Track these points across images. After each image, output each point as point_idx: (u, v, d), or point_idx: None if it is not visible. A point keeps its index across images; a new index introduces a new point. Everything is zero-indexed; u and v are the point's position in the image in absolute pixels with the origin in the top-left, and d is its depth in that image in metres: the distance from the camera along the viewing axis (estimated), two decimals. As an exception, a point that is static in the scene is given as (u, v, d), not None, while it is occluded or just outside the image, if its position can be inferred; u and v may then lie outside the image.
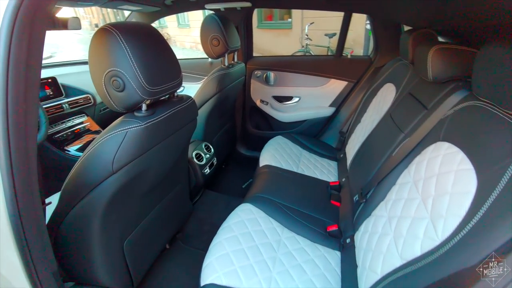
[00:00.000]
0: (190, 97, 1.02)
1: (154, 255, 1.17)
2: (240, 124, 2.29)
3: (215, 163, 1.70)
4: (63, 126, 1.66)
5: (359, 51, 5.42)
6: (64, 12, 1.45)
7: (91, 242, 0.83)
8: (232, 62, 1.74)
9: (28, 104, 0.57)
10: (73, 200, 0.78)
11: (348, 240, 1.11)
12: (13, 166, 0.56)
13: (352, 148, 1.61)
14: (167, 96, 0.93)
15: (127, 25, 0.75)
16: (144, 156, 0.80)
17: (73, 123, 1.71)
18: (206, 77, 1.56)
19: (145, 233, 1.05)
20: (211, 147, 1.68)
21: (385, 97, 1.49)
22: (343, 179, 1.54)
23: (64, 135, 1.62)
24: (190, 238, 1.54)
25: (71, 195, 0.78)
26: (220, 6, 1.75)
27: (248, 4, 1.69)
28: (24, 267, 0.64)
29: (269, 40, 7.40)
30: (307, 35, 5.88)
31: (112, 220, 0.85)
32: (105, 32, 0.71)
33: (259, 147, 1.80)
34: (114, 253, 0.91)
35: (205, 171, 1.58)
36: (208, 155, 1.62)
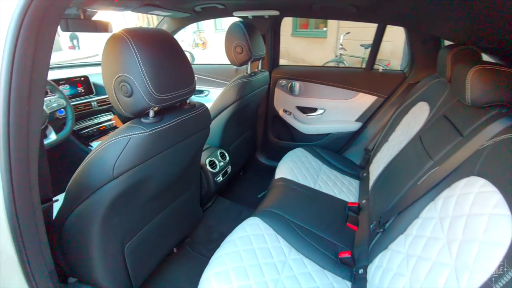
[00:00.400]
0: (203, 105, 1.00)
1: (157, 260, 1.16)
2: (261, 132, 2.26)
3: (229, 171, 1.67)
4: (90, 122, 1.74)
5: (396, 64, 5.16)
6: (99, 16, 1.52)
7: (91, 243, 0.83)
8: (256, 70, 1.71)
9: (31, 105, 0.57)
10: (75, 201, 0.78)
11: (360, 271, 1.01)
12: (12, 166, 0.57)
13: (376, 169, 1.50)
14: (178, 103, 0.92)
15: (141, 31, 0.75)
16: (147, 164, 0.79)
17: (100, 120, 1.79)
18: (228, 84, 1.54)
19: (148, 238, 1.04)
20: (226, 155, 1.66)
21: (417, 117, 1.36)
22: (363, 201, 1.43)
23: (90, 131, 1.70)
24: (198, 244, 1.52)
25: (74, 196, 0.78)
26: (248, 14, 1.74)
27: (276, 13, 1.66)
28: (21, 265, 0.64)
29: (302, 48, 7.33)
30: (341, 45, 5.74)
31: (113, 223, 0.85)
32: (118, 38, 0.71)
33: (279, 157, 1.74)
34: (113, 256, 0.91)
35: (218, 179, 1.55)
36: (222, 163, 1.59)
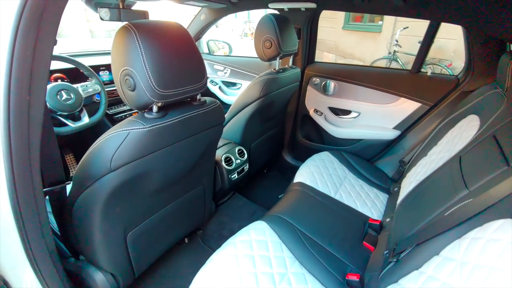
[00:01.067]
0: (215, 101, 0.97)
1: (161, 250, 1.19)
2: (289, 131, 2.17)
3: (246, 169, 1.64)
4: (124, 107, 1.84)
5: (459, 65, 4.56)
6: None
7: (93, 228, 0.87)
8: (286, 66, 1.62)
9: (32, 94, 0.59)
10: (80, 187, 0.82)
11: (366, 299, 0.91)
12: (13, 153, 0.60)
13: (407, 185, 1.34)
14: (188, 99, 0.90)
15: (149, 24, 0.74)
16: (146, 159, 0.79)
17: (133, 106, 1.88)
18: (253, 80, 1.49)
19: (152, 228, 1.07)
20: (245, 152, 1.62)
21: (463, 132, 1.17)
22: (387, 219, 1.29)
23: (123, 116, 1.79)
24: (209, 238, 1.53)
25: (79, 182, 0.82)
26: (284, 6, 1.65)
27: (312, 5, 1.54)
28: (22, 245, 0.69)
29: (352, 43, 6.88)
30: (396, 41, 5.24)
31: (114, 212, 0.87)
32: (125, 31, 0.71)
33: (305, 158, 1.66)
34: (115, 242, 0.94)
35: (233, 176, 1.53)
36: (239, 160, 1.56)
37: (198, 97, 0.92)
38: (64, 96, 1.33)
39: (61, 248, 1.07)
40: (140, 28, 0.71)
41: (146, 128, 0.74)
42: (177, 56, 0.77)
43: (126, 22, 0.72)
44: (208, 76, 2.36)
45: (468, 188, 0.81)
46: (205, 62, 2.33)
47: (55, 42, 0.62)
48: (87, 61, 1.58)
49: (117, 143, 0.73)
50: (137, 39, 0.69)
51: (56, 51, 1.96)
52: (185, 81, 0.80)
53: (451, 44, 4.54)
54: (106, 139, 0.75)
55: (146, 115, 0.78)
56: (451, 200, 0.84)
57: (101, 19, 0.93)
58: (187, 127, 0.87)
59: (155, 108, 0.77)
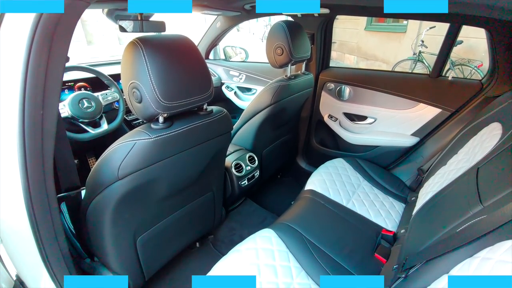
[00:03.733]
0: (222, 110, 0.99)
1: (170, 254, 1.22)
2: (304, 136, 2.15)
3: (256, 176, 1.64)
4: (142, 114, 1.91)
5: (491, 65, 4.28)
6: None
7: (104, 233, 0.92)
8: (299, 72, 1.62)
9: (45, 109, 0.64)
10: (92, 194, 0.87)
11: (374, 314, 0.88)
12: (27, 164, 0.64)
13: (424, 195, 1.28)
14: (195, 109, 0.92)
15: (155, 39, 0.77)
16: (152, 168, 0.82)
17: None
18: (265, 87, 1.50)
19: (161, 233, 1.10)
20: (255, 159, 1.63)
21: (484, 141, 1.10)
22: (402, 231, 1.24)
23: (140, 122, 1.87)
24: (220, 243, 1.55)
25: (91, 189, 0.87)
26: (297, 11, 1.65)
27: (326, 11, 1.52)
28: (37, 249, 0.74)
29: (375, 44, 6.68)
30: (422, 41, 5.01)
31: (123, 218, 0.91)
32: (132, 46, 0.75)
33: (320, 164, 1.64)
34: (125, 246, 0.98)
35: (243, 183, 1.54)
36: (249, 167, 1.57)
37: (205, 106, 0.94)
38: (86, 104, 1.41)
39: (79, 249, 1.13)
40: (146, 43, 0.74)
41: (151, 138, 0.77)
42: (182, 68, 0.80)
43: (135, 38, 0.75)
44: (223, 81, 2.40)
45: (482, 203, 0.76)
46: (221, 68, 2.39)
47: (67, 59, 0.67)
48: (108, 70, 1.66)
49: (124, 153, 0.76)
50: (143, 54, 0.73)
51: (86, 58, 2.08)
52: (191, 92, 0.82)
53: (482, 43, 4.27)
54: (114, 149, 0.78)
55: (152, 125, 0.81)
56: (464, 216, 0.79)
57: (122, 30, 0.97)
58: (193, 137, 0.89)
59: (161, 119, 0.80)
